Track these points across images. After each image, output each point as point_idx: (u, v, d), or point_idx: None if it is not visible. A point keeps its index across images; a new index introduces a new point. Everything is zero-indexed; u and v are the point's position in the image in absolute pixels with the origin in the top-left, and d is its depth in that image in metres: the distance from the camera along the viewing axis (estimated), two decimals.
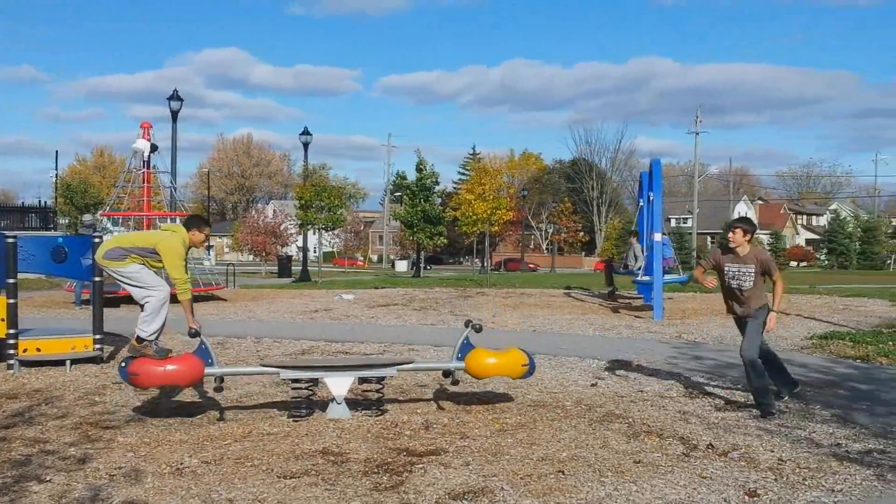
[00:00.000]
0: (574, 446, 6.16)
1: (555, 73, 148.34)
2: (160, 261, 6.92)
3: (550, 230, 75.94)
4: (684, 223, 76.52)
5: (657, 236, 16.27)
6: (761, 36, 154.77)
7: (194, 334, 6.90)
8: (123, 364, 6.76)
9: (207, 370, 6.86)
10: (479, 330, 7.50)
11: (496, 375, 7.52)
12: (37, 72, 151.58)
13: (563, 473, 5.45)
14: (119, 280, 6.97)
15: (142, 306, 6.94)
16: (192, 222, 7.20)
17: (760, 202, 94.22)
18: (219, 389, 7.03)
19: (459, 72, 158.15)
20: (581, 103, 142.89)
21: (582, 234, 72.54)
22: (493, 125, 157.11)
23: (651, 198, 16.70)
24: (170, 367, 6.67)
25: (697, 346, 11.81)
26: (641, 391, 8.41)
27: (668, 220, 71.84)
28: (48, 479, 5.32)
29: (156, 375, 6.66)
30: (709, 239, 73.01)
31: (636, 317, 15.91)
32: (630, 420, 7.04)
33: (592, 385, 8.76)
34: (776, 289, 7.38)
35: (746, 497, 5.01)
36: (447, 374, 7.59)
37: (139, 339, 6.80)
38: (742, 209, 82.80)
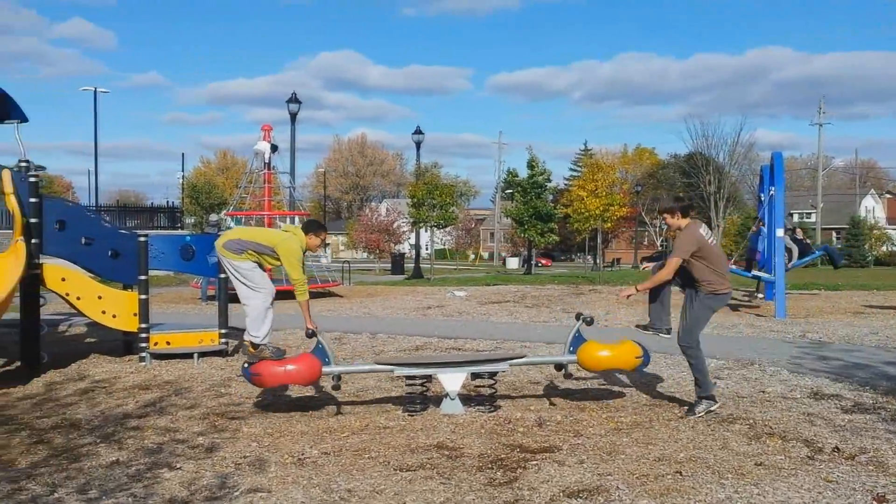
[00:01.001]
0: (692, 447, 6.02)
1: (668, 65, 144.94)
2: (276, 259, 7.16)
3: (665, 227, 74.26)
4: (808, 218, 73.31)
5: (779, 232, 15.71)
6: (886, 21, 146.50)
7: (311, 335, 7.10)
8: (246, 366, 7.03)
9: (325, 369, 7.04)
10: (590, 323, 7.40)
11: (609, 368, 7.41)
12: (163, 78, 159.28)
13: (681, 474, 5.34)
14: (230, 272, 7.24)
15: (245, 306, 7.19)
16: (309, 227, 7.43)
17: (889, 196, 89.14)
18: (336, 388, 7.20)
19: (570, 67, 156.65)
20: (695, 96, 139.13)
21: None
22: (605, 120, 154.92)
23: (772, 192, 16.10)
24: (290, 367, 6.89)
25: (823, 346, 11.31)
26: (763, 392, 8.13)
27: (791, 214, 69.00)
28: (178, 466, 5.59)
29: (278, 375, 6.89)
30: (834, 235, 69.71)
31: (758, 315, 15.39)
32: (751, 421, 6.82)
33: None
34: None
35: (874, 503, 4.78)
36: (560, 367, 7.55)
37: (253, 345, 7.08)
38: (869, 204, 78.58)
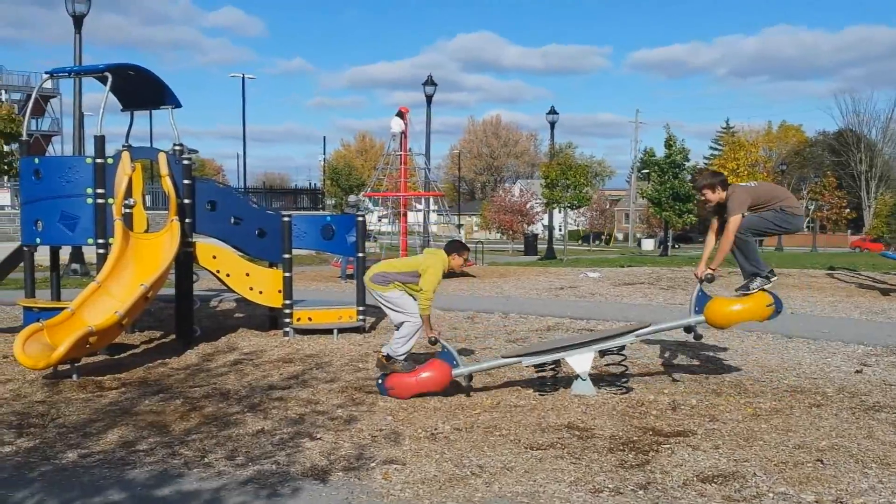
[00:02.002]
0: (834, 435, 5.78)
1: (819, 38, 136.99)
2: (416, 296, 7.34)
3: (812, 207, 70.67)
4: None
5: None
6: None
7: (434, 342, 7.27)
8: (380, 380, 7.25)
9: (454, 371, 7.15)
10: (711, 280, 7.14)
11: (739, 321, 7.06)
12: (307, 64, 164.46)
13: (822, 463, 5.14)
14: (381, 303, 7.49)
15: (397, 328, 7.43)
16: (452, 247, 7.60)
17: None
18: (468, 387, 7.27)
19: (714, 43, 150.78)
20: (848, 70, 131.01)
21: (847, 210, 66.73)
22: (749, 97, 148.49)
23: None
24: (423, 376, 7.07)
25: None
26: None
27: None
28: (319, 436, 5.85)
29: (412, 385, 7.07)
30: None
31: None
32: None
33: (857, 372, 8.13)
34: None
35: None
36: (689, 330, 7.33)
37: (388, 358, 7.32)
38: None
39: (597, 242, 68.19)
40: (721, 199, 7.06)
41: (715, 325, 7.16)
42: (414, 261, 7.67)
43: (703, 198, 7.20)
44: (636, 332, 7.36)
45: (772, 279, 7.06)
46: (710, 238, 7.37)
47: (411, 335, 7.34)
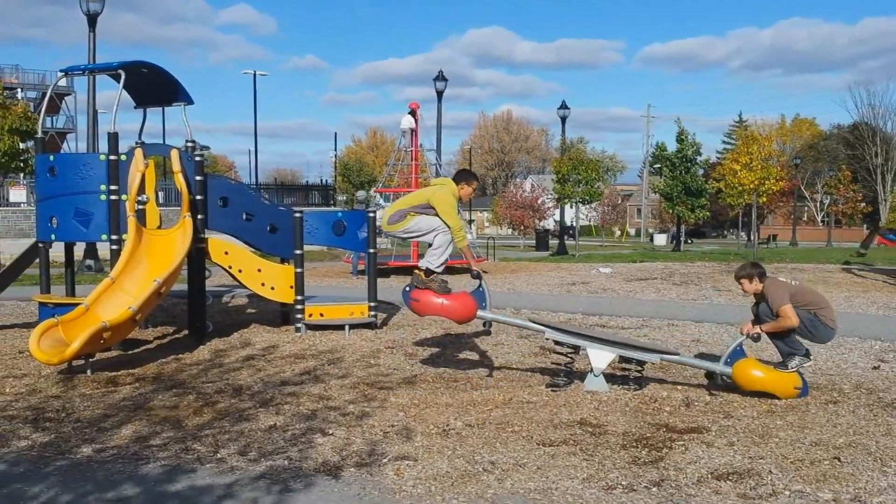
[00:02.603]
0: (852, 432, 5.73)
1: (835, 30, 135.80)
2: (435, 215, 7.34)
3: (826, 201, 70.24)
4: None
5: None
6: None
7: (477, 276, 7.32)
8: (407, 289, 7.29)
9: (479, 312, 7.19)
10: (756, 339, 7.17)
11: (762, 390, 6.85)
12: (320, 60, 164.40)
13: (839, 460, 5.10)
14: (407, 237, 7.54)
15: (429, 245, 7.45)
16: (460, 176, 7.59)
17: None
18: (487, 333, 7.34)
19: (728, 36, 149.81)
20: (864, 63, 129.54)
21: (863, 204, 66.26)
22: (762, 91, 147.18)
23: None
24: (447, 302, 7.14)
25: None
26: None
27: None
28: (331, 432, 5.85)
29: (434, 305, 7.14)
30: None
31: None
32: None
33: (874, 368, 8.07)
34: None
35: None
36: (710, 376, 7.29)
37: (427, 272, 7.29)
38: None
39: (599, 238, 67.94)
40: (757, 290, 7.20)
41: (737, 384, 6.94)
42: (423, 193, 7.64)
43: (740, 287, 7.39)
44: (662, 355, 7.33)
45: (809, 359, 7.16)
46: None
47: (445, 245, 7.32)
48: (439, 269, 7.31)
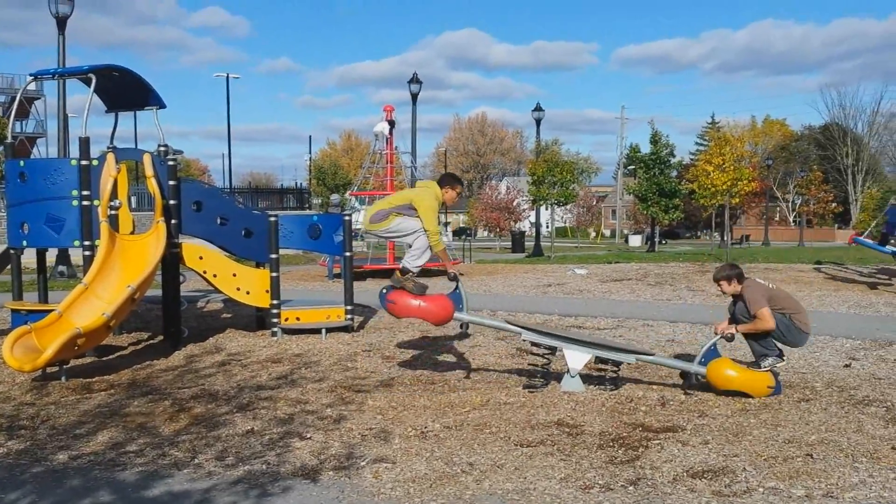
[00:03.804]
0: (824, 429, 5.82)
1: (808, 32, 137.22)
2: (417, 216, 7.35)
3: (798, 201, 71.06)
4: None
5: None
6: None
7: (453, 278, 7.36)
8: (384, 290, 7.30)
9: (456, 314, 7.23)
10: (730, 339, 7.27)
11: (737, 389, 6.91)
12: (293, 63, 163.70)
13: (812, 457, 5.18)
14: (388, 237, 7.55)
15: (409, 246, 7.47)
16: (445, 180, 7.62)
17: None
18: (464, 335, 7.37)
19: (701, 38, 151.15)
20: (836, 64, 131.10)
21: (834, 204, 67.16)
22: (734, 92, 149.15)
23: None
24: (424, 304, 7.16)
25: None
26: None
27: None
28: (308, 436, 5.84)
29: (411, 308, 7.16)
30: None
31: None
32: (889, 404, 6.51)
33: (846, 366, 8.19)
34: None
35: None
36: (685, 376, 7.36)
37: (403, 271, 7.32)
38: None
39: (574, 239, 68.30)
40: (735, 291, 7.26)
41: (711, 384, 7.01)
42: (407, 194, 7.69)
43: (719, 288, 7.46)
44: (638, 355, 7.39)
45: (782, 359, 7.26)
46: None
47: (424, 248, 7.34)
48: (415, 270, 7.33)
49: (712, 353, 7.05)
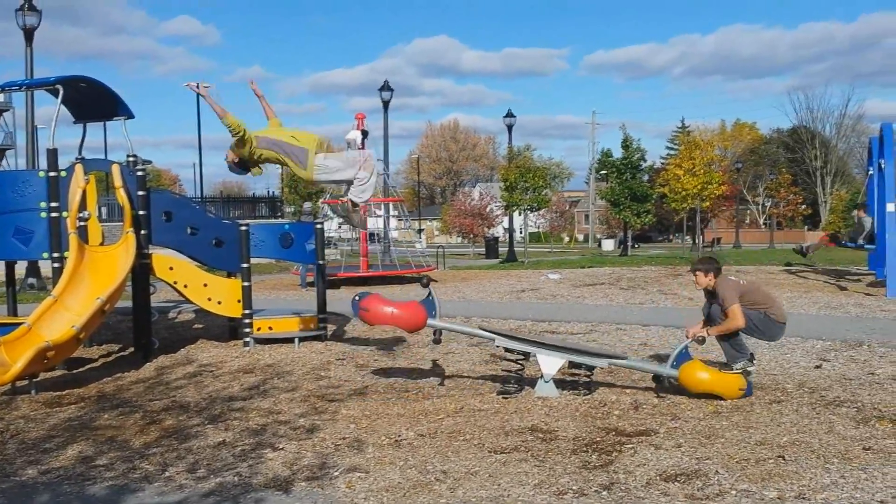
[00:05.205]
0: (796, 431, 5.87)
1: (776, 36, 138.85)
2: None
3: (768, 204, 71.88)
4: None
5: (890, 206, 15.00)
6: None
7: (426, 284, 7.44)
8: (357, 298, 7.31)
9: (429, 321, 7.23)
10: (702, 342, 7.37)
11: (709, 392, 6.91)
12: (266, 71, 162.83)
13: (784, 459, 5.22)
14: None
15: None
16: None
17: None
18: (437, 342, 7.42)
19: (670, 42, 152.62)
20: (805, 67, 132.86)
21: (803, 206, 68.04)
22: (704, 97, 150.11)
23: (882, 165, 15.39)
24: (397, 311, 7.18)
25: None
26: (872, 374, 7.82)
27: None
28: (281, 446, 5.80)
29: (383, 315, 7.17)
30: None
31: (867, 294, 14.77)
32: (859, 404, 6.58)
33: (816, 367, 8.27)
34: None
35: None
36: (658, 379, 7.39)
37: None
38: None
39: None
40: (709, 285, 7.45)
41: (684, 386, 7.01)
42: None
43: (694, 278, 7.63)
44: (611, 360, 7.42)
45: (753, 363, 7.39)
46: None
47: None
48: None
49: (684, 356, 7.09)
